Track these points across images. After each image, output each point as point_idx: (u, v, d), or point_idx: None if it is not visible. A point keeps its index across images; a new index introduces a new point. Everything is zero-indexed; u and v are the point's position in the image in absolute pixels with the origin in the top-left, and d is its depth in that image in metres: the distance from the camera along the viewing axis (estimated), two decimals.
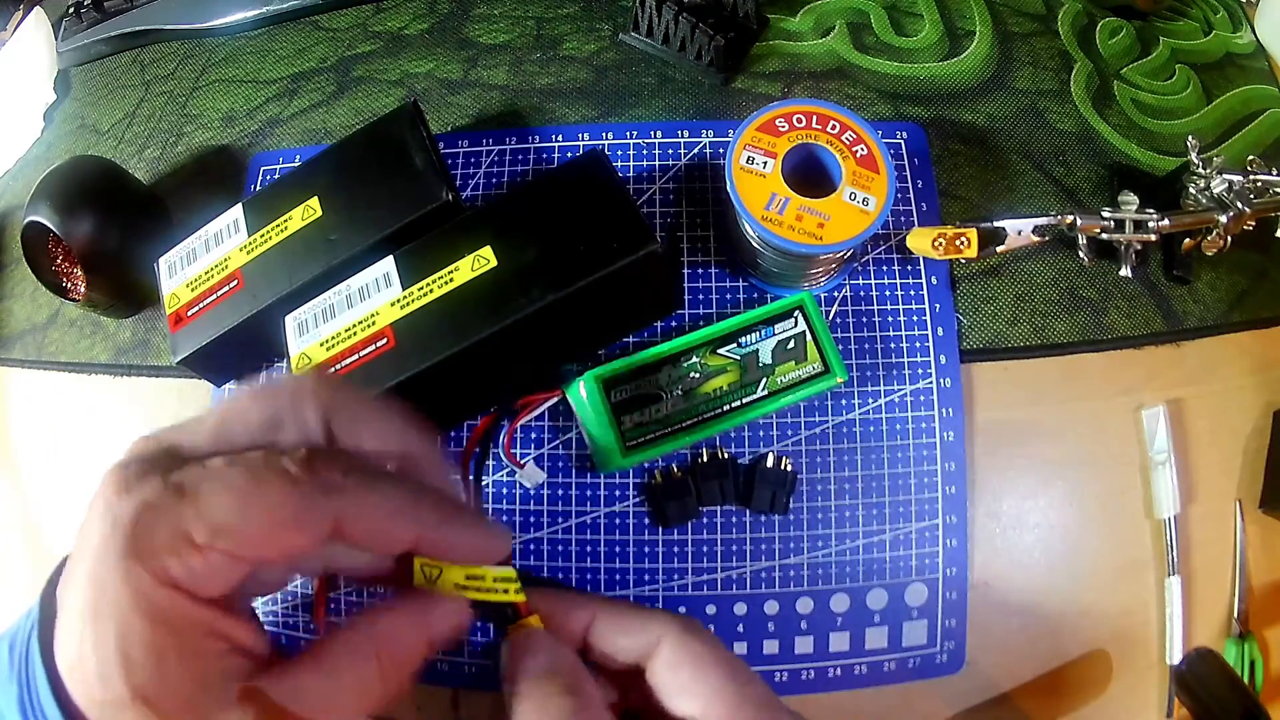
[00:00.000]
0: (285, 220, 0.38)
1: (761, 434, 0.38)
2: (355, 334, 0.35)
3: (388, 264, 0.36)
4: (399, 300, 0.35)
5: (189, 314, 0.38)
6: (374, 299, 0.36)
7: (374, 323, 0.35)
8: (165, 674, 0.20)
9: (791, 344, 0.37)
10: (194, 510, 0.20)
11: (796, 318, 0.37)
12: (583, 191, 0.36)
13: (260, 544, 0.20)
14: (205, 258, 0.39)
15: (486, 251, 0.35)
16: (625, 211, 0.35)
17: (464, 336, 0.34)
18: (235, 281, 0.38)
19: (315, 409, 0.23)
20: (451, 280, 0.35)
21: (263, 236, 0.39)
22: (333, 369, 0.35)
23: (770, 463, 0.37)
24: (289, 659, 0.22)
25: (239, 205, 0.40)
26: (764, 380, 0.36)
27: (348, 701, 0.22)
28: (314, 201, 0.38)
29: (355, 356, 0.35)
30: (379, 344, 0.35)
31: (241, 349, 0.40)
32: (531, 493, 0.38)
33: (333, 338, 0.36)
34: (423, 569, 0.25)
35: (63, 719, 0.20)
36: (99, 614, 0.20)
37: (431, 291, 0.35)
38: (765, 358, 0.37)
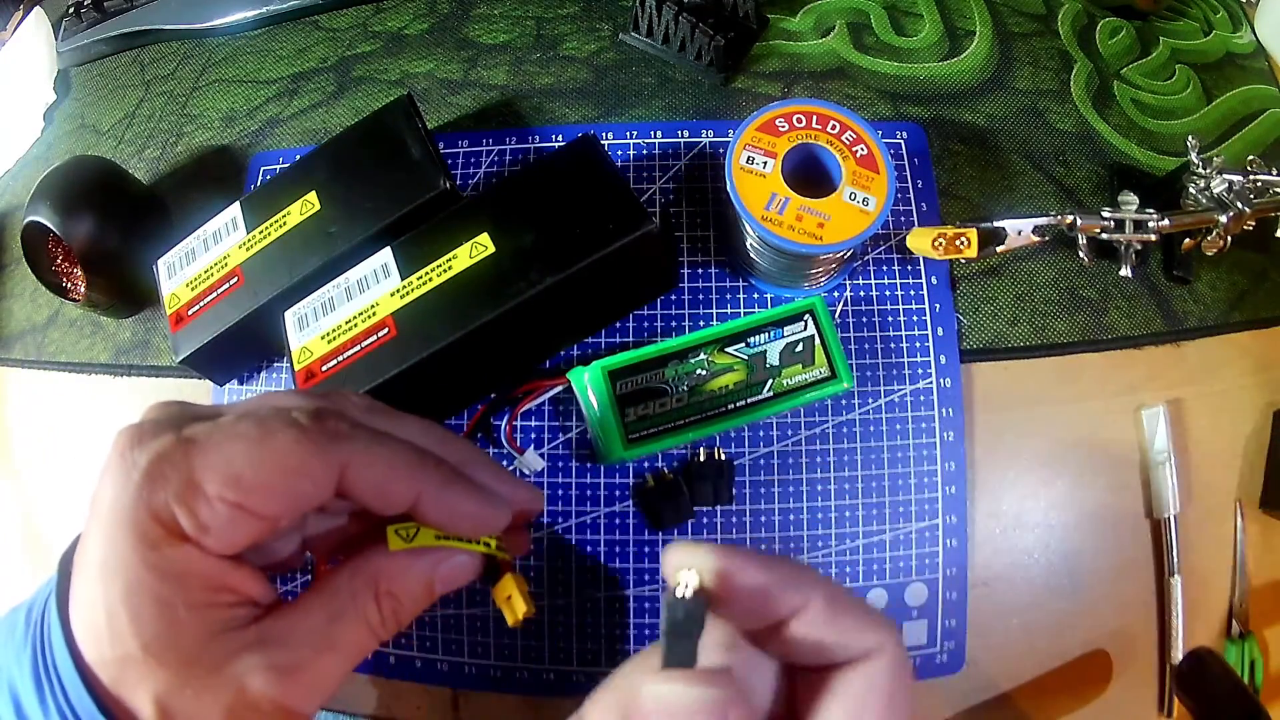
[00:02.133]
0: (284, 216, 0.39)
1: (761, 434, 0.38)
2: (356, 325, 0.35)
3: (386, 255, 0.36)
4: (399, 290, 0.35)
5: (189, 313, 0.38)
6: (373, 290, 0.36)
7: (374, 313, 0.35)
8: (174, 628, 0.20)
9: (800, 347, 0.37)
10: (204, 460, 0.20)
11: (806, 321, 0.37)
12: (577, 175, 0.36)
13: (270, 494, 0.20)
14: (204, 256, 0.39)
15: (484, 238, 0.35)
16: (620, 193, 0.35)
17: (466, 322, 0.34)
18: (235, 278, 0.38)
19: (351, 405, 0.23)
20: (450, 268, 0.35)
21: (262, 233, 0.39)
22: (336, 360, 0.35)
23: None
24: (292, 601, 0.22)
25: (236, 203, 0.40)
26: (770, 381, 0.36)
27: (348, 640, 0.22)
28: (312, 196, 0.39)
29: (357, 347, 0.35)
30: (380, 334, 0.35)
31: (243, 346, 0.40)
32: None
33: (333, 330, 0.36)
34: (397, 532, 0.25)
35: (79, 680, 0.20)
36: (109, 571, 0.20)
37: (431, 280, 0.35)
38: (773, 359, 0.37)
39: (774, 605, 0.19)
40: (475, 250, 0.35)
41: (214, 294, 0.38)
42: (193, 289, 0.39)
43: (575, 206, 0.35)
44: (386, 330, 0.35)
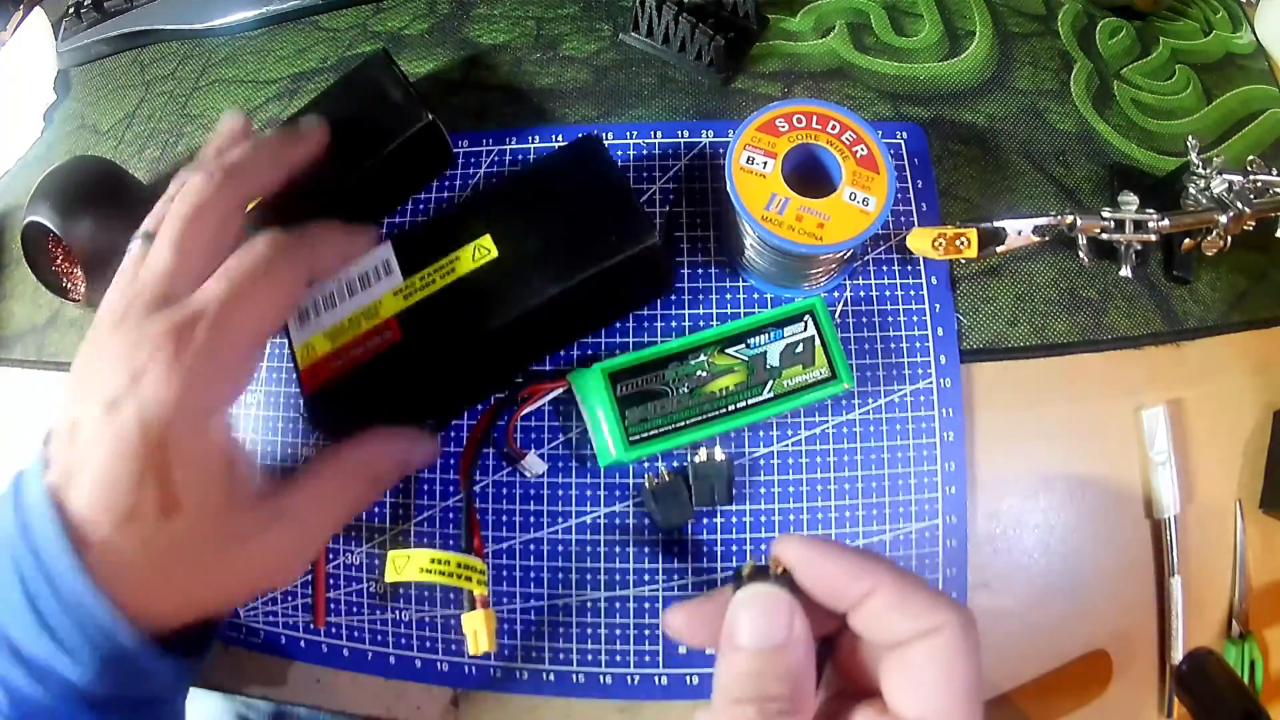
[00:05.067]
0: None
1: (761, 434, 0.38)
2: (360, 324, 0.35)
3: (386, 250, 0.36)
4: (401, 290, 0.35)
5: None
6: (375, 288, 0.36)
7: (377, 313, 0.35)
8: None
9: (800, 348, 0.37)
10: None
11: (806, 322, 0.37)
12: (580, 178, 0.36)
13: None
14: None
15: (486, 241, 0.35)
16: (623, 201, 0.35)
17: (471, 331, 0.34)
18: None
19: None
20: (454, 270, 0.35)
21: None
22: (339, 359, 0.35)
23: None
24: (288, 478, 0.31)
25: None
26: (770, 382, 0.36)
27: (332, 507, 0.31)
28: None
29: (362, 348, 0.35)
30: (385, 335, 0.35)
31: None
32: (531, 492, 0.38)
33: (335, 329, 0.36)
34: (393, 561, 0.31)
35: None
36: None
37: (434, 282, 0.35)
38: (773, 360, 0.37)
39: (845, 589, 0.21)
40: (478, 253, 0.35)
41: None
42: None
43: (578, 212, 0.35)
44: (390, 333, 0.35)
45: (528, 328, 0.35)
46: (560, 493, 0.38)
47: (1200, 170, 0.40)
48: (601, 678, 0.37)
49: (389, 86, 0.41)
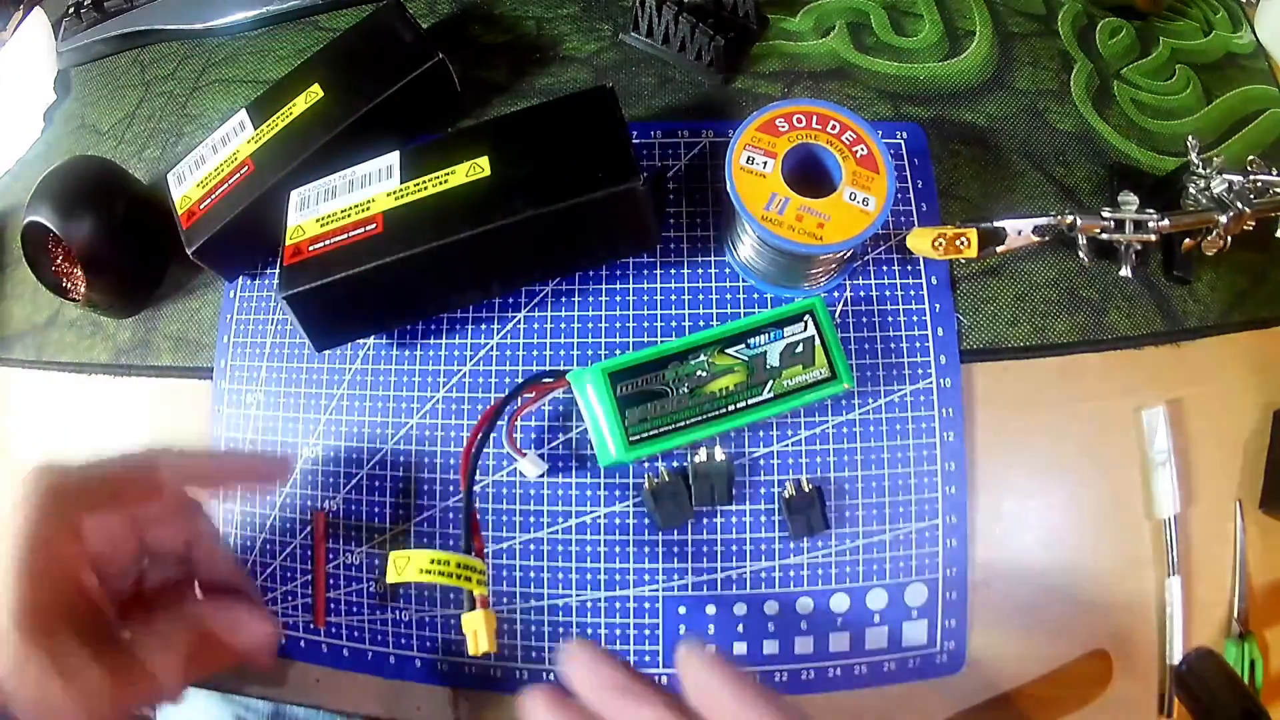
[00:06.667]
0: (290, 108, 0.41)
1: (762, 434, 0.38)
2: (350, 215, 0.37)
3: (393, 158, 0.39)
4: (395, 192, 0.37)
5: (201, 207, 0.40)
6: (373, 187, 0.38)
7: (368, 208, 0.37)
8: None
9: (800, 348, 0.37)
10: None
11: (806, 322, 0.37)
12: (587, 121, 0.38)
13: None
14: (214, 158, 0.42)
15: (483, 161, 0.37)
16: (618, 145, 0.37)
17: (444, 234, 0.36)
18: (246, 168, 0.40)
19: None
20: (446, 181, 0.37)
21: (269, 126, 0.41)
22: (323, 243, 0.37)
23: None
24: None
25: (243, 110, 0.42)
26: (770, 382, 0.36)
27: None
28: (315, 87, 0.42)
29: (345, 236, 0.37)
30: (369, 228, 0.36)
31: (254, 234, 0.41)
32: (531, 492, 0.38)
33: (328, 216, 0.38)
34: (394, 562, 0.31)
35: None
36: None
37: (425, 188, 0.37)
38: (773, 360, 0.37)
39: None
40: (473, 170, 0.37)
41: (225, 185, 0.40)
42: (204, 187, 0.41)
43: (575, 149, 0.37)
44: (374, 226, 0.36)
45: (499, 243, 0.36)
46: (560, 493, 0.38)
47: (1200, 170, 0.40)
48: None
49: (400, 30, 0.43)
